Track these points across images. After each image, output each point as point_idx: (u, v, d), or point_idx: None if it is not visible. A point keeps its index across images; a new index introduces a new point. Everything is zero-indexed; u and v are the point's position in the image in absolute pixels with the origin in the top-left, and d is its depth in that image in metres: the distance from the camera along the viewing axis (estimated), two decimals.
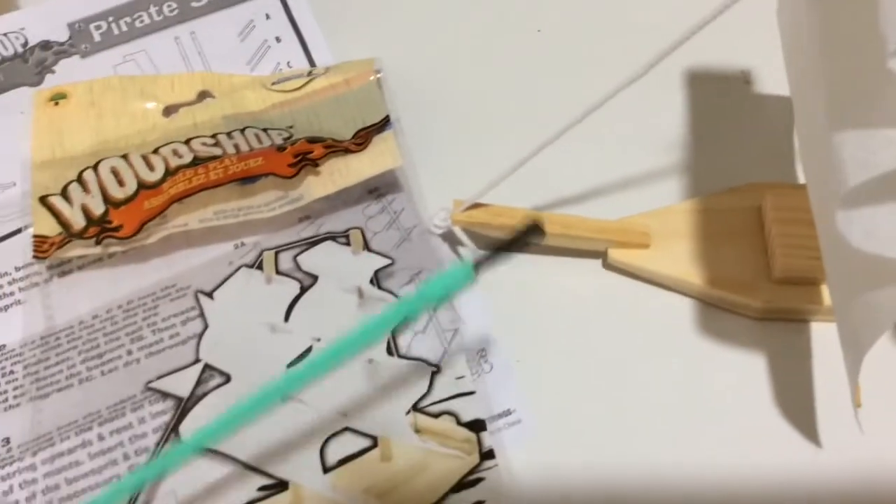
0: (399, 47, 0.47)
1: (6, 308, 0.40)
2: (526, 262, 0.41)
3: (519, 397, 0.37)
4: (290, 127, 0.43)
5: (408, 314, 0.28)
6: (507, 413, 0.37)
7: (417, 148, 0.43)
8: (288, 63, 0.47)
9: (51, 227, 0.40)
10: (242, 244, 0.41)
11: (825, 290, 0.38)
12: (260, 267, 0.39)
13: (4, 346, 0.39)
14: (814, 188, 0.32)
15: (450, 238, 0.40)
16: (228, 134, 0.42)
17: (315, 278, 0.39)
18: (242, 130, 0.42)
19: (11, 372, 0.38)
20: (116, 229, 0.39)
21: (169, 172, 0.40)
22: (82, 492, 0.35)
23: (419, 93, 0.45)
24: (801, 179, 0.42)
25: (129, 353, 0.38)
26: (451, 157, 0.44)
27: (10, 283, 0.41)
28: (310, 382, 0.30)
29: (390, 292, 0.38)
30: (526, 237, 0.27)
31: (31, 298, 0.40)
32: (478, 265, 0.27)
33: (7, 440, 0.36)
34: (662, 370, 0.38)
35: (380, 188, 0.42)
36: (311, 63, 0.47)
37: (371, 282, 0.38)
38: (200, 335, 0.38)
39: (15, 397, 0.37)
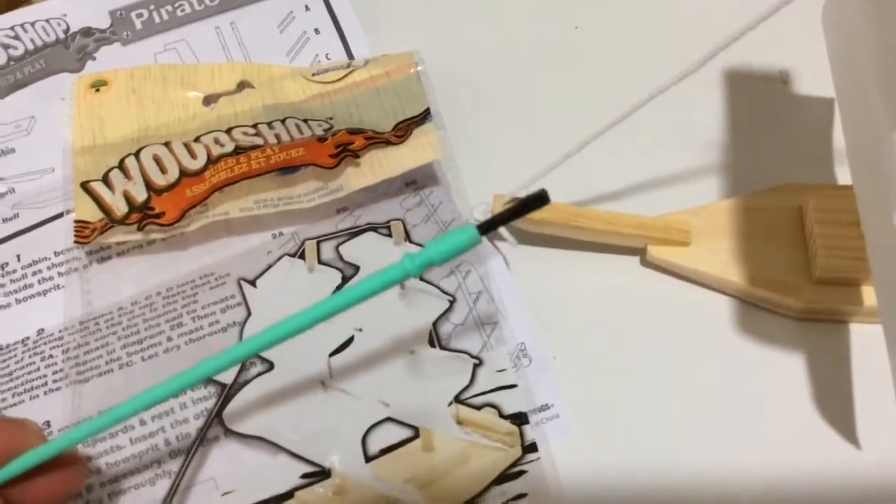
0: (437, 41, 0.47)
1: (45, 293, 0.41)
2: (564, 258, 0.41)
3: (557, 392, 0.37)
4: (330, 118, 0.43)
5: (411, 271, 0.28)
6: (546, 408, 0.37)
7: (457, 142, 0.43)
8: (326, 55, 0.47)
9: (92, 213, 0.40)
10: (281, 234, 0.41)
11: (866, 291, 0.37)
12: (302, 256, 0.40)
13: (43, 329, 0.39)
14: (863, 189, 0.32)
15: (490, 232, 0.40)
16: (269, 124, 0.42)
17: (357, 268, 0.39)
18: (283, 121, 0.42)
19: (51, 356, 0.38)
20: (159, 216, 0.39)
21: (211, 161, 0.40)
22: (122, 476, 0.35)
23: (458, 87, 0.45)
24: (840, 180, 0.42)
25: (170, 339, 0.38)
26: (491, 151, 0.44)
27: (49, 268, 0.41)
28: (309, 328, 0.29)
29: (431, 284, 0.38)
30: (532, 205, 0.27)
31: (71, 283, 0.40)
32: (483, 227, 0.27)
33: (48, 423, 0.36)
34: (700, 368, 0.38)
35: (418, 181, 0.42)
36: (350, 55, 0.47)
37: None
38: (243, 323, 0.38)
39: (55, 381, 0.37)
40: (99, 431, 0.30)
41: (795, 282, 0.38)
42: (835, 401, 0.37)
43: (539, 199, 0.27)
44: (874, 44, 0.29)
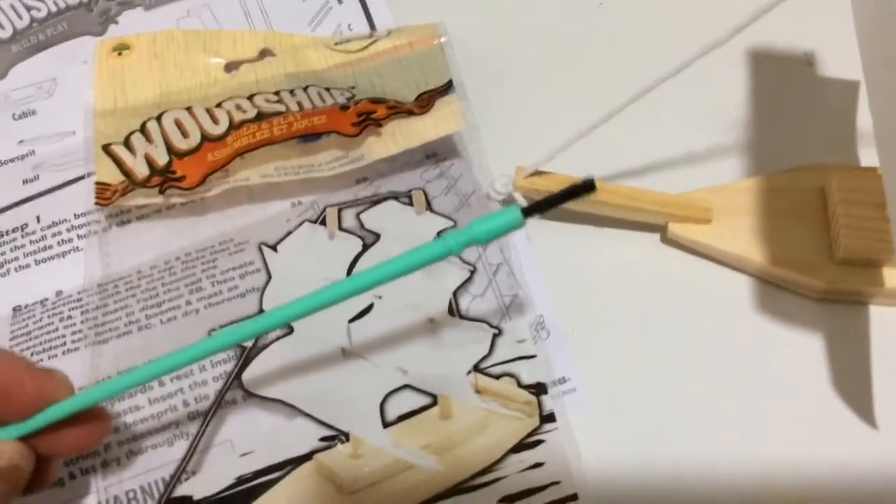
0: (461, 14, 0.46)
1: (64, 254, 0.41)
2: (585, 233, 0.40)
3: (574, 366, 0.37)
4: (353, 87, 0.43)
5: (454, 248, 0.28)
6: (563, 381, 0.37)
7: (480, 114, 0.43)
8: (349, 25, 0.47)
9: (113, 175, 0.40)
10: (300, 202, 0.41)
11: (888, 273, 0.37)
12: (323, 223, 0.39)
13: (62, 291, 0.39)
14: (891, 169, 0.32)
15: (509, 204, 0.40)
16: (291, 91, 0.42)
17: (378, 236, 0.39)
18: (305, 88, 0.42)
19: (69, 317, 0.38)
20: (180, 179, 0.39)
21: (233, 126, 0.40)
22: (141, 436, 0.35)
23: (482, 59, 0.45)
24: (863, 162, 0.42)
25: (189, 303, 0.38)
26: (513, 123, 0.44)
27: (68, 230, 0.41)
28: (343, 299, 0.29)
29: None
30: (579, 191, 0.27)
31: (90, 246, 0.40)
32: (527, 211, 0.27)
33: None
34: (718, 347, 0.38)
35: (438, 153, 0.42)
36: (372, 26, 0.47)
37: None
38: (263, 287, 0.38)
39: (73, 342, 0.37)
40: (126, 389, 0.30)
41: (817, 262, 0.38)
42: (853, 382, 0.37)
43: (586, 187, 0.26)
44: None
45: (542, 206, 0.27)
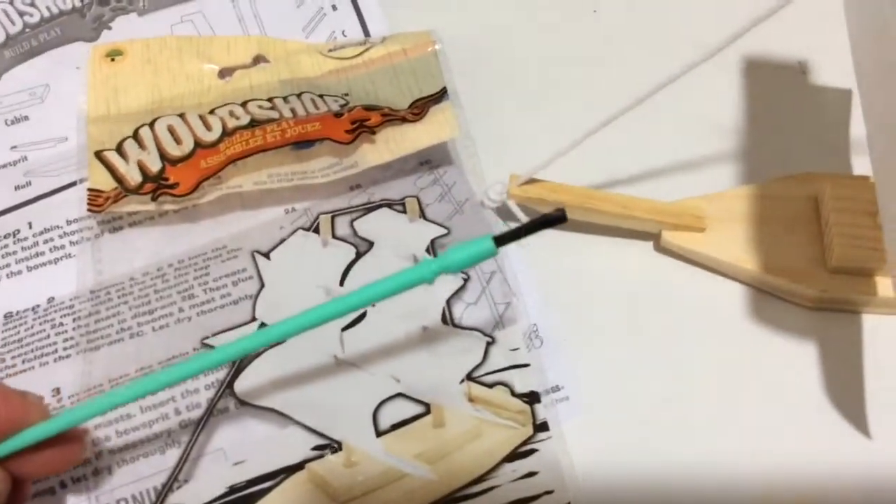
0: (455, 21, 0.47)
1: (56, 261, 0.40)
2: (578, 241, 0.40)
3: (567, 374, 0.37)
4: (346, 94, 0.43)
5: (427, 277, 0.28)
6: (556, 389, 0.37)
7: (474, 121, 0.43)
8: (343, 32, 0.47)
9: (106, 182, 0.40)
10: (293, 209, 0.41)
11: (881, 282, 0.37)
12: (316, 230, 0.39)
13: (53, 298, 0.39)
14: (883, 177, 0.32)
15: (503, 212, 0.40)
16: (285, 98, 0.42)
17: (371, 244, 0.39)
18: (299, 95, 0.42)
19: (61, 324, 0.38)
20: (173, 186, 0.39)
21: (226, 133, 0.40)
22: (132, 445, 0.35)
23: (476, 67, 0.45)
24: (856, 170, 0.42)
25: (181, 310, 0.38)
26: (508, 131, 0.44)
27: (60, 237, 0.41)
28: (316, 326, 0.29)
29: None
30: (551, 222, 0.27)
31: (82, 252, 0.40)
32: (500, 240, 0.28)
33: (57, 390, 0.36)
34: (711, 355, 0.38)
35: (432, 160, 0.42)
36: (366, 33, 0.47)
37: (427, 250, 0.38)
38: (256, 295, 0.37)
39: (65, 349, 0.37)
40: (101, 412, 0.30)
41: (810, 270, 0.38)
42: (846, 390, 0.37)
43: (558, 219, 0.27)
44: None
45: (515, 236, 0.28)
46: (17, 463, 0.29)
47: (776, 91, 0.45)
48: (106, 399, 0.29)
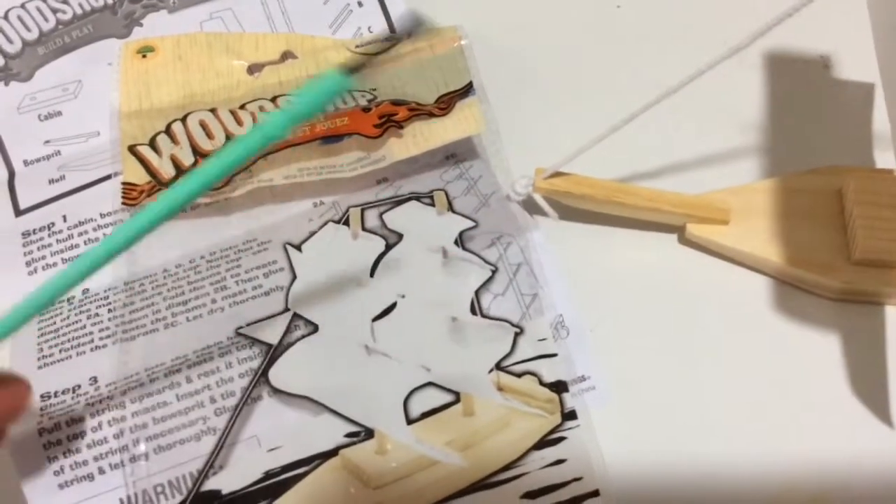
0: (481, 16, 0.47)
1: None
2: (603, 234, 0.41)
3: (594, 365, 0.38)
4: (374, 89, 0.43)
5: (276, 133, 0.27)
6: (582, 379, 0.37)
7: (500, 115, 0.44)
8: (369, 28, 0.48)
9: (140, 176, 0.40)
10: (322, 202, 0.42)
11: None
12: (346, 223, 0.40)
13: (88, 289, 0.40)
14: None
15: (529, 205, 0.41)
16: None
17: (400, 236, 0.39)
18: None
19: (97, 314, 0.39)
20: None
21: None
22: (169, 431, 0.35)
23: (502, 62, 0.46)
24: (879, 164, 0.43)
25: (214, 301, 0.39)
26: (533, 125, 0.44)
27: (94, 230, 0.42)
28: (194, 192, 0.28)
29: (474, 253, 0.39)
30: (407, 33, 0.26)
31: None
32: (350, 69, 0.26)
33: (94, 379, 0.37)
34: (736, 346, 0.38)
35: (458, 154, 0.43)
36: (392, 29, 0.48)
37: (455, 242, 0.39)
38: (288, 287, 0.38)
39: (101, 339, 0.38)
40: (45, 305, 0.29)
41: (834, 263, 0.38)
42: (870, 382, 0.37)
43: (416, 26, 0.26)
44: None
45: (367, 61, 0.26)
46: None
47: (799, 85, 0.45)
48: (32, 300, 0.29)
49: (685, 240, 0.40)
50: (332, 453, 0.34)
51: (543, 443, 0.34)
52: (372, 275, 0.38)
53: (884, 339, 0.38)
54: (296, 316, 0.37)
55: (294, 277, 0.38)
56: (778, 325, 0.39)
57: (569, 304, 0.39)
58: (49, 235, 0.42)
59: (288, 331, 0.37)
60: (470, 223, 0.39)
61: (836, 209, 0.40)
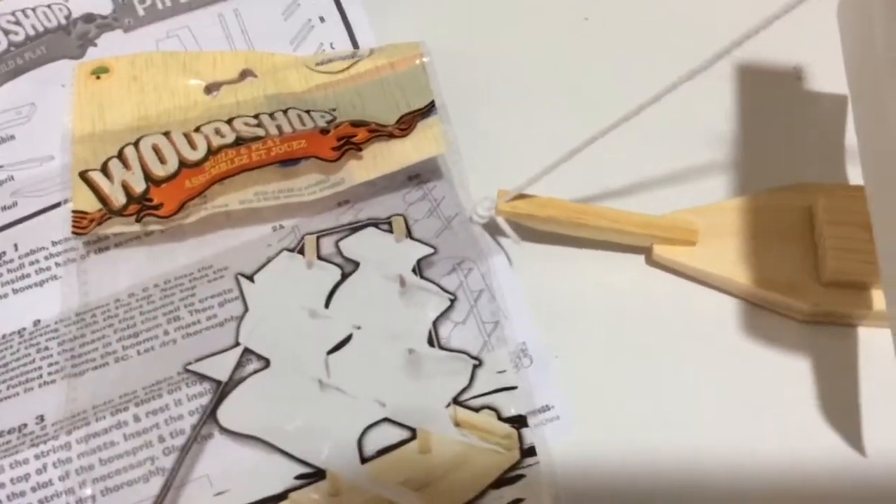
0: (444, 32, 0.46)
1: (42, 283, 0.40)
2: (568, 256, 0.40)
3: (558, 393, 0.37)
4: (333, 109, 0.42)
5: None
6: (546, 409, 0.36)
7: (462, 135, 0.43)
8: (331, 44, 0.47)
9: (90, 203, 0.39)
10: (281, 227, 0.41)
11: (875, 295, 0.37)
12: (301, 251, 0.39)
13: (39, 321, 0.39)
14: (875, 191, 0.32)
15: (492, 227, 0.40)
16: (271, 114, 0.41)
17: (357, 265, 0.38)
18: (285, 111, 0.42)
19: (46, 348, 0.38)
20: (157, 207, 0.38)
21: (211, 151, 0.40)
22: (116, 472, 0.34)
23: (465, 79, 0.44)
24: (852, 180, 0.42)
25: (166, 332, 0.37)
26: (497, 145, 0.43)
27: (46, 258, 0.41)
28: None
29: (432, 281, 0.38)
30: None
31: (68, 274, 0.40)
32: None
33: (41, 417, 0.36)
34: (705, 370, 0.37)
35: (421, 175, 0.42)
36: (354, 44, 0.47)
37: (413, 270, 0.38)
38: (240, 318, 0.37)
39: (50, 374, 0.37)
40: None
41: (803, 284, 0.37)
42: (841, 406, 0.36)
43: None
44: (891, 43, 0.28)
45: None
46: None
47: (771, 97, 0.44)
48: None
49: (652, 261, 0.39)
50: (280, 497, 0.33)
51: (501, 481, 0.33)
52: (327, 305, 0.37)
53: (855, 361, 0.37)
54: (247, 350, 0.36)
55: (246, 310, 0.37)
56: (748, 348, 0.38)
57: (533, 330, 0.38)
58: (0, 265, 0.40)
59: (238, 366, 0.35)
60: (429, 250, 0.38)
61: (806, 228, 0.39)
